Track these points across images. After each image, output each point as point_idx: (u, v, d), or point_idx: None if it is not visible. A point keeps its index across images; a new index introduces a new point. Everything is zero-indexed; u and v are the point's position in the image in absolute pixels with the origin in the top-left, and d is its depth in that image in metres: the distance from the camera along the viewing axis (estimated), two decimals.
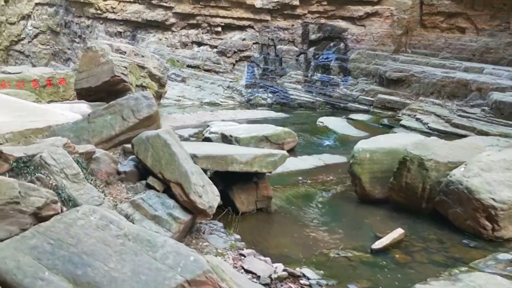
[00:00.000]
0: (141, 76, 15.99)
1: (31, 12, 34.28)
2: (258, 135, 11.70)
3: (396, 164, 7.99)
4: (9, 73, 25.12)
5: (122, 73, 15.05)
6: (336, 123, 15.44)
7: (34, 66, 34.16)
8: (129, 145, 7.65)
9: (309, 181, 9.66)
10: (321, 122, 15.57)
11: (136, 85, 15.80)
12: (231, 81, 23.70)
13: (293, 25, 21.59)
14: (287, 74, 21.72)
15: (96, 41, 16.82)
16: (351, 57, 19.50)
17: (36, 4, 33.86)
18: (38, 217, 4.81)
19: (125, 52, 15.80)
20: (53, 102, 18.20)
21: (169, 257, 2.95)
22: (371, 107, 18.06)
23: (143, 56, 16.45)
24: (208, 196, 6.14)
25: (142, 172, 6.61)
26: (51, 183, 5.25)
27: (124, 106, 7.77)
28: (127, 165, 6.64)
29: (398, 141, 8.74)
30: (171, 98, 22.83)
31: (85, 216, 3.28)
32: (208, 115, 17.71)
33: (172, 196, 6.19)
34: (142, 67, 16.03)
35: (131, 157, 7.06)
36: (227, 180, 7.79)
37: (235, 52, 23.90)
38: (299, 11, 21.20)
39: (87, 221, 3.23)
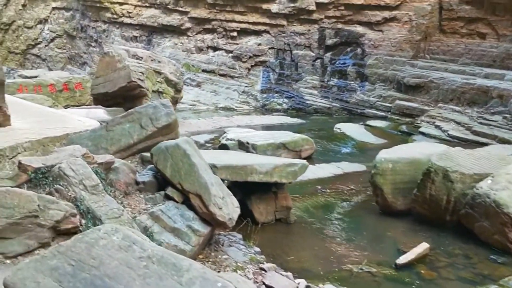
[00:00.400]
0: (158, 81, 15.94)
1: (48, 16, 34.57)
2: (275, 142, 11.55)
3: (419, 174, 7.78)
4: (26, 76, 25.34)
5: (139, 79, 15.01)
6: (354, 130, 15.22)
7: (50, 70, 34.44)
8: (147, 154, 7.56)
9: (328, 191, 9.48)
10: (339, 129, 15.36)
11: (153, 91, 15.76)
12: (246, 86, 23.60)
13: (309, 30, 21.43)
14: (303, 79, 21.56)
15: (113, 46, 16.82)
16: (368, 62, 19.28)
17: (53, 8, 34.15)
18: (57, 230, 4.73)
19: (142, 58, 15.77)
20: (70, 107, 18.28)
21: (195, 283, 2.81)
22: (389, 113, 17.82)
23: (159, 62, 16.41)
24: (228, 207, 6.00)
25: (161, 182, 6.50)
26: (70, 195, 5.15)
27: (143, 114, 7.67)
28: (145, 175, 6.53)
29: (421, 150, 8.53)
30: (186, 103, 22.80)
31: (107, 235, 3.16)
32: (223, 121, 17.60)
33: (191, 207, 6.06)
34: (159, 73, 15.99)
35: (149, 166, 6.95)
36: (245, 189, 7.65)
37: (250, 57, 23.80)
38: (315, 16, 21.03)
39: (110, 241, 3.11)
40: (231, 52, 24.61)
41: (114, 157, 7.59)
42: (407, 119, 16.83)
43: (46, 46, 35.14)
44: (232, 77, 24.28)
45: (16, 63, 35.79)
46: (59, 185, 5.22)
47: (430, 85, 16.88)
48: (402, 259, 6.28)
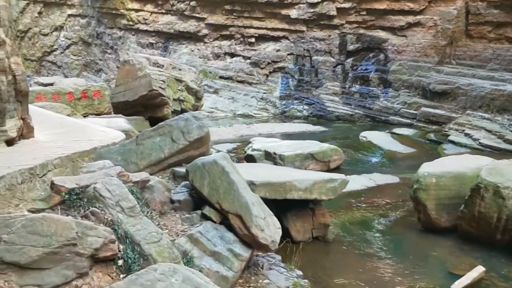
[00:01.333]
0: (178, 89, 15.65)
1: (64, 23, 34.57)
2: (303, 153, 11.17)
3: (465, 190, 7.35)
4: (42, 83, 25.26)
5: (160, 87, 14.72)
6: (380, 138, 14.79)
7: (66, 76, 34.41)
8: (179, 170, 7.23)
9: (363, 205, 9.07)
10: (364, 137, 14.94)
11: (173, 99, 15.47)
12: (264, 93, 23.25)
13: (330, 35, 21.05)
14: (324, 85, 21.16)
15: (134, 54, 16.57)
16: (391, 68, 18.84)
17: (69, 15, 34.15)
18: (95, 258, 4.39)
19: (163, 66, 15.48)
20: (88, 115, 18.06)
21: None
22: (414, 120, 17.36)
23: (180, 69, 16.12)
24: (270, 229, 5.63)
25: (197, 201, 6.15)
26: (106, 218, 4.81)
27: (174, 127, 7.34)
28: (181, 193, 6.18)
29: (465, 164, 8.08)
30: (204, 110, 22.41)
31: (164, 277, 2.81)
32: (244, 129, 17.27)
33: (230, 227, 5.70)
34: (180, 81, 15.69)
35: (183, 183, 6.60)
36: (281, 206, 7.27)
37: (268, 63, 23.47)
38: (336, 21, 20.65)
39: (168, 284, 2.75)
40: (249, 58, 24.31)
41: (145, 172, 7.28)
42: (434, 127, 16.36)
43: (61, 53, 35.15)
44: (250, 84, 23.96)
45: (32, 70, 35.83)
46: (95, 207, 4.88)
47: (457, 92, 16.39)
48: (458, 285, 5.83)
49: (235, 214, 5.54)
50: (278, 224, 5.87)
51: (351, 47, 20.24)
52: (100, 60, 33.82)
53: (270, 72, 23.48)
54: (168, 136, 7.33)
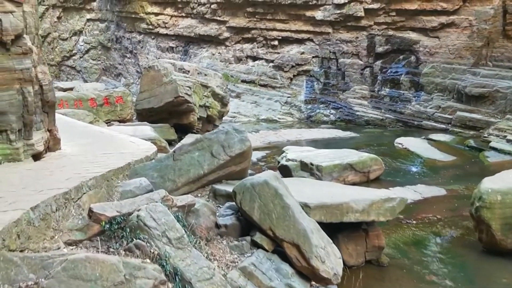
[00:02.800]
0: (204, 95, 15.12)
1: (83, 28, 34.35)
2: (342, 163, 10.52)
3: None
4: (62, 88, 24.98)
5: (186, 93, 14.21)
6: (417, 145, 14.06)
7: (85, 81, 34.20)
8: (220, 187, 6.65)
9: (413, 221, 8.39)
10: (400, 144, 14.23)
11: (199, 105, 14.95)
12: (289, 97, 22.64)
13: (357, 37, 20.36)
14: (351, 89, 20.47)
15: (159, 60, 16.08)
16: (423, 71, 18.08)
17: (88, 20, 33.94)
18: None
19: (188, 71, 14.96)
20: (111, 121, 17.65)
21: None
22: (449, 125, 16.58)
23: (206, 75, 15.59)
24: (331, 260, 5.02)
25: (244, 224, 5.55)
26: (153, 252, 4.25)
27: (214, 142, 6.76)
28: (227, 217, 5.59)
29: None
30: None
31: None
32: (271, 135, 16.68)
33: (283, 255, 5.11)
34: (206, 86, 15.16)
35: (227, 204, 6.01)
36: (331, 226, 6.63)
37: (292, 66, 22.85)
38: (364, 22, 19.95)
39: None
40: (271, 61, 23.71)
41: (183, 189, 6.73)
42: (471, 132, 15.58)
43: (81, 57, 34.96)
44: (274, 88, 23.35)
45: (51, 75, 35.54)
46: (139, 238, 4.32)
47: (495, 95, 15.61)
48: None
49: (292, 243, 4.94)
50: (339, 254, 5.26)
51: (380, 49, 19.53)
52: (120, 64, 33.53)
53: (294, 76, 22.86)
54: (208, 150, 6.76)
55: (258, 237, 5.20)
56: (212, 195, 6.68)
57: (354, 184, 10.53)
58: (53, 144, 8.38)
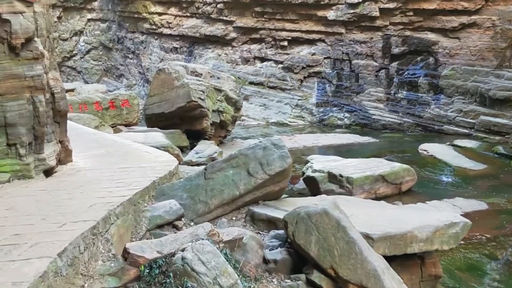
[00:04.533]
0: (218, 100, 14.36)
1: (84, 28, 33.59)
2: (374, 175, 9.76)
3: None
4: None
5: (199, 98, 13.45)
6: (443, 152, 13.34)
7: (86, 82, 33.43)
8: (259, 210, 5.90)
9: (461, 241, 7.62)
10: (425, 151, 13.49)
11: (213, 110, 14.19)
12: (299, 99, 21.90)
13: (372, 38, 19.63)
14: (365, 91, 19.75)
15: (170, 62, 15.32)
16: (443, 73, 17.36)
17: (89, 20, 33.18)
18: None
19: (201, 74, 14.20)
20: (116, 125, 16.92)
21: None
22: (473, 130, 15.88)
23: (218, 78, 14.84)
24: None
25: (295, 258, 4.79)
26: None
27: (250, 158, 6.01)
28: (276, 251, 4.81)
29: None
30: None
31: None
32: (286, 141, 15.88)
33: None
34: (219, 90, 14.40)
35: (273, 233, 5.25)
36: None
37: (303, 67, 22.11)
38: (379, 22, 19.23)
39: None
40: (281, 62, 22.97)
41: (216, 212, 5.98)
42: (497, 138, 14.87)
43: (81, 58, 34.21)
44: (283, 90, 22.62)
45: None
46: (187, 286, 3.56)
47: None
48: None
49: (360, 286, 4.19)
50: None
51: (396, 50, 18.81)
52: (121, 65, 32.78)
53: (304, 77, 22.14)
54: (244, 168, 6.00)
55: (316, 277, 4.44)
56: (249, 219, 5.92)
57: (386, 197, 9.85)
58: (64, 156, 7.63)
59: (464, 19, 16.91)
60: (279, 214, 5.67)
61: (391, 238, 4.99)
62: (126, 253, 3.78)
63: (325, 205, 4.53)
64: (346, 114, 19.76)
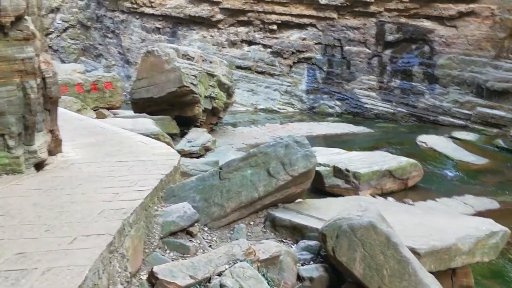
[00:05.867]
0: (210, 85, 13.67)
1: (60, 5, 32.10)
2: (381, 170, 9.33)
3: None
4: None
5: (192, 83, 12.75)
6: (442, 144, 13.00)
7: (63, 61, 32.06)
8: (281, 215, 5.33)
9: None
10: (424, 143, 13.13)
11: (205, 96, 13.51)
12: (288, 85, 21.29)
13: (365, 24, 19.08)
14: (357, 79, 19.26)
15: (159, 44, 14.51)
16: (439, 62, 16.97)
17: None
18: None
19: (193, 58, 13.46)
20: (99, 108, 16.08)
21: None
22: (469, 122, 15.58)
23: (211, 62, 14.12)
24: None
25: (332, 274, 4.26)
26: None
27: (271, 157, 5.42)
28: (311, 268, 4.25)
29: None
30: None
31: None
32: (280, 129, 15.38)
33: None
34: (212, 75, 13.70)
35: (302, 243, 4.70)
36: None
37: (293, 53, 21.46)
38: (373, 8, 18.67)
39: None
40: (269, 47, 22.25)
41: (232, 216, 5.40)
42: (495, 130, 14.60)
43: (58, 36, 32.75)
44: (272, 75, 21.95)
45: None
46: None
47: None
48: None
49: None
50: None
51: (390, 38, 18.33)
52: (100, 45, 31.53)
53: (294, 63, 21.50)
54: (263, 168, 5.41)
55: None
56: (269, 225, 5.35)
57: (392, 192, 9.44)
58: (54, 146, 6.90)
59: (462, 7, 16.50)
60: (305, 221, 5.13)
61: (437, 252, 4.49)
62: (153, 278, 3.18)
63: (372, 218, 3.99)
64: (337, 102, 19.27)
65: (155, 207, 5.10)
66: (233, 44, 23.99)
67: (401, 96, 17.74)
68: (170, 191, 5.41)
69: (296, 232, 5.08)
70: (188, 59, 13.35)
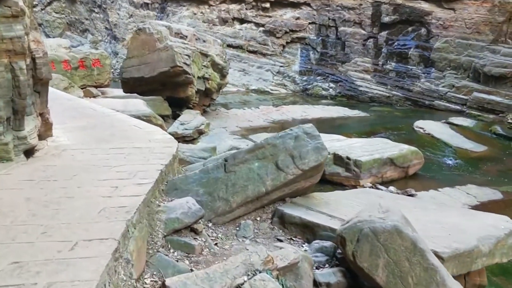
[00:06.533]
0: (204, 65, 13.21)
1: None
2: (382, 158, 9.06)
3: None
4: None
5: (185, 63, 12.29)
6: (440, 130, 12.78)
7: (48, 36, 31.11)
8: (290, 211, 5.03)
9: None
10: (421, 128, 12.91)
11: (198, 77, 13.06)
12: (281, 66, 20.88)
13: (361, 4, 18.66)
14: (351, 61, 18.91)
15: (151, 22, 13.94)
16: (435, 45, 16.67)
17: None
18: None
19: (186, 37, 12.96)
20: (87, 86, 15.55)
21: None
22: (465, 107, 15.38)
23: (204, 41, 13.63)
24: None
25: (350, 280, 3.99)
26: None
27: (279, 149, 5.09)
28: (328, 272, 3.96)
29: None
30: None
31: None
32: (274, 112, 15.03)
33: None
34: (205, 55, 13.24)
35: (316, 245, 4.40)
36: None
37: (286, 32, 20.99)
38: None
39: None
40: (262, 25, 21.75)
41: (238, 212, 5.08)
42: (491, 116, 14.43)
43: (42, 10, 31.72)
44: (264, 55, 21.51)
45: None
46: None
47: None
48: None
49: None
50: None
51: (386, 19, 17.95)
52: (86, 19, 30.66)
53: (287, 43, 21.06)
54: (271, 161, 5.09)
55: None
56: (277, 221, 5.06)
57: (392, 181, 9.21)
58: (44, 130, 6.49)
59: None
60: (316, 218, 4.84)
61: (459, 256, 4.24)
62: None
63: (396, 221, 3.70)
64: (331, 85, 18.92)
65: (157, 202, 4.77)
66: (224, 21, 23.42)
67: (396, 79, 17.46)
68: (172, 184, 5.07)
69: (307, 230, 4.79)
70: (181, 37, 12.85)
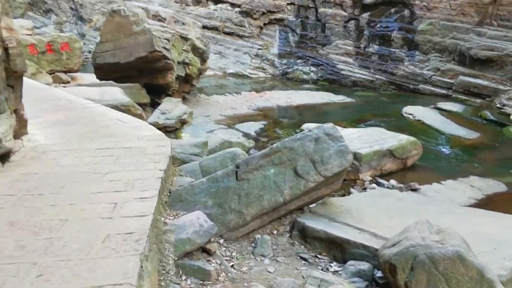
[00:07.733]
0: (184, 50, 12.41)
1: None
2: (382, 150, 8.59)
3: None
4: None
5: (164, 48, 11.47)
6: (429, 116, 12.42)
7: None
8: (312, 224, 4.46)
9: None
10: (411, 114, 12.52)
11: (178, 62, 12.26)
12: (259, 49, 20.15)
13: None
14: (332, 43, 18.36)
15: (126, 2, 12.98)
16: (419, 27, 16.26)
17: None
18: None
19: (165, 19, 12.10)
20: (55, 72, 14.55)
21: None
22: (451, 91, 15.07)
23: (183, 24, 12.80)
24: None
25: None
26: None
27: (298, 153, 4.49)
28: None
29: None
30: None
31: None
32: (257, 98, 14.38)
33: None
34: (185, 39, 12.43)
35: (352, 267, 3.84)
36: None
37: (263, 13, 20.23)
38: None
39: None
40: (238, 6, 20.91)
41: (253, 225, 4.48)
42: (478, 100, 14.17)
43: None
44: (241, 37, 20.72)
45: None
46: None
47: (505, 60, 14.16)
48: None
49: None
50: None
51: (368, 0, 17.40)
52: None
53: (265, 24, 20.31)
54: (289, 166, 4.49)
55: None
56: (297, 235, 4.48)
57: (391, 173, 8.79)
58: (19, 128, 5.73)
59: None
60: (344, 233, 4.29)
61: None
62: None
63: (457, 246, 3.17)
64: (312, 68, 18.35)
65: (162, 219, 4.12)
66: (197, 1, 22.46)
67: (379, 63, 17.02)
68: (176, 195, 4.42)
69: (334, 246, 4.24)
70: (159, 20, 11.99)
